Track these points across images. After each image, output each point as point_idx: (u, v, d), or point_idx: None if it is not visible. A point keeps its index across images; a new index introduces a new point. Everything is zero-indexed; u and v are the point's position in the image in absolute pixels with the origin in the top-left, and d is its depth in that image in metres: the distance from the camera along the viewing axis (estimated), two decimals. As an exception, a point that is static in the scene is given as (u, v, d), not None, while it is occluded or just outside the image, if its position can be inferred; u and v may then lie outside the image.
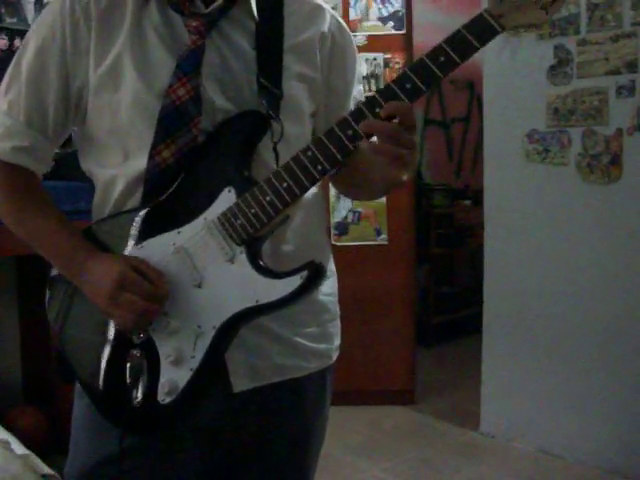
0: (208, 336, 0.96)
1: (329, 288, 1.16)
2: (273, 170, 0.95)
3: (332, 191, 3.46)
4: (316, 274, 0.93)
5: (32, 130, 1.02)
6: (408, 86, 0.88)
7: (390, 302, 3.49)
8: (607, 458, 2.72)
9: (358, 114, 0.90)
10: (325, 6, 1.14)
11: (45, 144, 1.05)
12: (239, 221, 0.95)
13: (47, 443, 2.47)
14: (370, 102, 0.90)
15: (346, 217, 3.46)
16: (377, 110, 0.89)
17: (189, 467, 1.08)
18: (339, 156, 0.91)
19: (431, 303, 4.68)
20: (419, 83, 0.88)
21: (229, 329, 0.96)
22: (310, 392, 1.14)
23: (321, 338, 1.13)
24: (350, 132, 0.90)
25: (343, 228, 3.46)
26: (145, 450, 1.04)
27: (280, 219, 0.96)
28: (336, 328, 1.18)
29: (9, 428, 1.89)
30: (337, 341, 1.18)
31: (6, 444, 1.67)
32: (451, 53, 0.86)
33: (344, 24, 1.17)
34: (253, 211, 0.94)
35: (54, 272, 1.09)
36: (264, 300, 0.94)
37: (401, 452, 2.98)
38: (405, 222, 3.49)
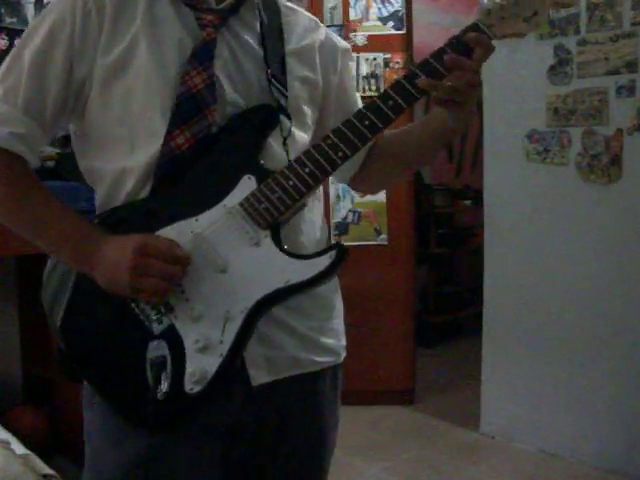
0: (237, 320, 0.96)
1: (333, 285, 1.17)
2: (290, 160, 1.00)
3: (332, 191, 3.47)
4: (343, 254, 0.97)
5: (28, 118, 1.01)
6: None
7: (390, 302, 3.49)
8: (607, 458, 2.72)
9: (373, 107, 0.99)
10: (318, 20, 1.22)
11: (39, 135, 1.03)
12: (263, 205, 0.97)
13: (47, 443, 2.47)
14: (383, 97, 0.99)
15: (346, 217, 3.47)
16: (390, 103, 0.98)
17: (211, 468, 1.06)
18: (359, 143, 0.99)
19: (431, 303, 4.68)
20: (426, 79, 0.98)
21: (258, 312, 0.97)
22: (325, 390, 1.15)
23: (329, 333, 1.15)
24: (367, 122, 0.99)
25: (343, 228, 3.47)
26: (170, 453, 1.02)
27: (300, 204, 1.00)
28: (342, 326, 1.19)
29: (9, 428, 1.89)
30: (343, 340, 1.19)
31: (6, 444, 1.67)
32: (452, 54, 0.97)
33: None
34: (277, 195, 0.97)
35: (48, 269, 1.06)
36: (295, 280, 0.96)
37: (401, 452, 2.98)
38: (405, 222, 3.49)
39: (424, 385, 3.70)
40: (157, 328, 0.97)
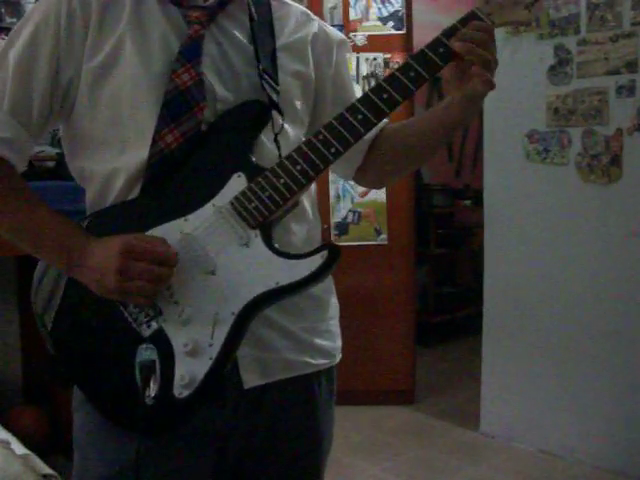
0: (227, 323, 0.93)
1: (328, 286, 1.16)
2: (281, 156, 0.97)
3: (332, 191, 3.47)
4: (336, 254, 0.94)
5: (15, 121, 0.99)
6: (412, 74, 0.94)
7: (390, 302, 3.49)
8: (607, 458, 2.72)
9: (366, 100, 0.95)
10: (310, 13, 1.19)
11: (26, 138, 1.01)
12: (253, 204, 0.95)
13: (47, 443, 2.47)
14: (377, 89, 0.95)
15: (346, 217, 3.46)
16: (384, 96, 0.94)
17: (204, 473, 1.05)
18: (352, 139, 0.95)
19: (431, 303, 4.68)
20: (422, 71, 0.94)
21: (248, 314, 0.94)
22: (319, 392, 1.13)
23: (325, 335, 1.13)
24: (360, 117, 0.95)
25: (343, 228, 3.46)
26: (160, 458, 1.00)
27: (292, 203, 0.97)
28: (337, 328, 1.17)
29: (9, 428, 1.89)
30: (339, 342, 1.17)
31: (6, 444, 1.67)
32: (449, 45, 0.94)
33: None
34: (267, 194, 0.95)
35: (38, 271, 1.05)
36: (284, 282, 0.93)
37: (401, 452, 2.98)
38: (405, 222, 3.49)
39: (424, 385, 3.70)
40: (146, 332, 0.95)
